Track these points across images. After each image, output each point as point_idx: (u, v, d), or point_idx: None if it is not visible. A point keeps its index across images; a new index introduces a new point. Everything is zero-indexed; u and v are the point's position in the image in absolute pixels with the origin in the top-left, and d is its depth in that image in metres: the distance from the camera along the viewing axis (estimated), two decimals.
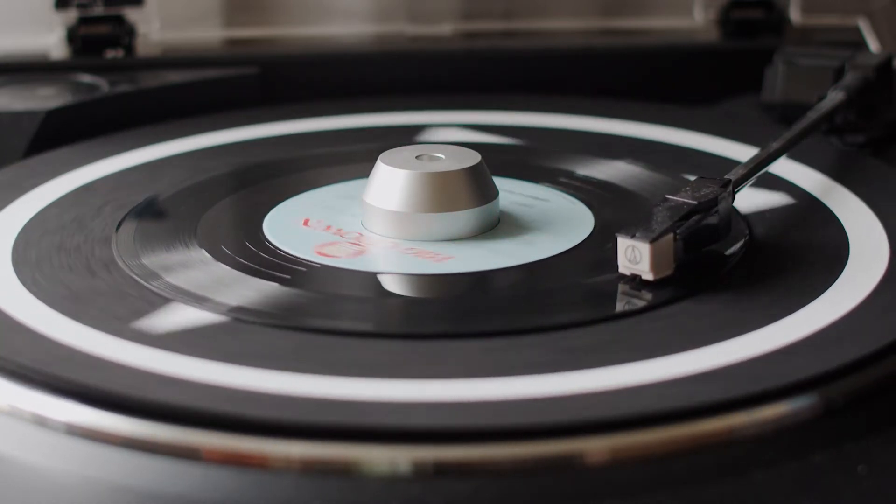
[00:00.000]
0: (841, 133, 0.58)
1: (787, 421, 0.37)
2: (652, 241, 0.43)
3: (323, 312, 0.43)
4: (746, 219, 0.49)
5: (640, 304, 0.43)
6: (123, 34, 0.71)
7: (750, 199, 0.50)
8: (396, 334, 0.41)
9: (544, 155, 0.57)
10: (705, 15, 0.75)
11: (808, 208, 0.51)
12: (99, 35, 0.71)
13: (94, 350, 0.40)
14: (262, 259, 0.47)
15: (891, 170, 0.54)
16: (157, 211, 0.51)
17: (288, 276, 0.45)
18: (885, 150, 0.58)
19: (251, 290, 0.44)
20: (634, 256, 0.43)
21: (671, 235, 0.43)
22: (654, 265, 0.43)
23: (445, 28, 0.75)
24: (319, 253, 0.47)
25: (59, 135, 0.60)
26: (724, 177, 0.46)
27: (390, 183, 0.48)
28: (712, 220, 0.45)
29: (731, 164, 0.50)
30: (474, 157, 0.49)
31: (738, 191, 0.46)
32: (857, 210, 0.50)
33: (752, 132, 0.59)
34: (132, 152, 0.58)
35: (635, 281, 0.44)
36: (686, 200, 0.44)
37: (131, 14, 0.72)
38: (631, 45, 0.73)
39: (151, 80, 0.66)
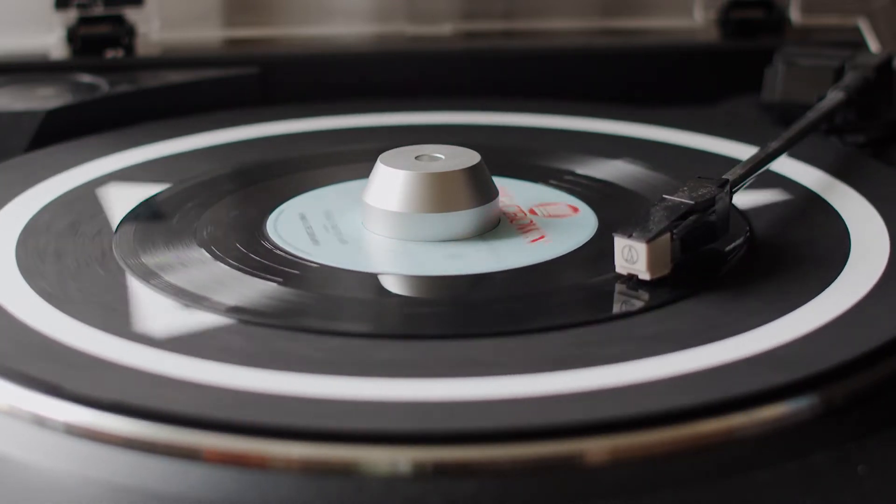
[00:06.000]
0: (841, 133, 0.58)
1: (787, 421, 0.37)
2: (649, 241, 0.43)
3: (323, 313, 0.43)
4: (746, 217, 0.49)
5: (637, 304, 0.43)
6: (123, 34, 0.71)
7: (750, 197, 0.50)
8: (396, 335, 0.41)
9: (544, 155, 0.57)
10: (705, 15, 0.75)
11: (809, 206, 0.51)
12: (99, 35, 0.71)
13: (95, 351, 0.40)
14: (262, 259, 0.47)
15: (892, 168, 0.54)
16: (157, 210, 0.51)
17: (288, 277, 0.45)
18: (885, 150, 0.58)
19: (251, 290, 0.44)
20: (631, 256, 0.43)
21: (668, 235, 0.43)
22: (651, 265, 0.43)
23: (445, 28, 0.75)
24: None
25: (59, 135, 0.60)
26: (722, 176, 0.46)
27: (390, 183, 0.48)
28: (710, 219, 0.45)
29: (730, 164, 0.50)
30: (474, 158, 0.49)
31: (736, 190, 0.46)
32: (858, 207, 0.50)
33: (752, 132, 0.59)
34: (131, 151, 0.58)
35: (632, 280, 0.44)
36: (683, 200, 0.44)
37: (131, 14, 0.72)
38: (631, 45, 0.73)
39: (151, 80, 0.66)
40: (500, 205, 0.50)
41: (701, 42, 0.73)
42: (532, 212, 0.50)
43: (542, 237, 0.48)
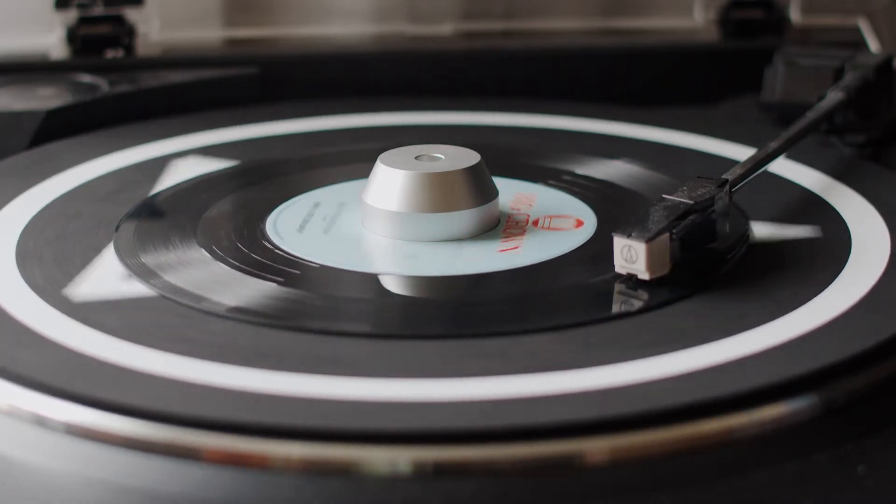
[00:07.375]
0: (841, 133, 0.58)
1: (787, 421, 0.37)
2: (648, 241, 0.43)
3: (323, 313, 0.43)
4: (746, 216, 0.49)
5: (636, 304, 0.43)
6: (123, 34, 0.71)
7: (750, 198, 0.50)
8: (396, 335, 0.41)
9: (544, 155, 0.57)
10: (705, 15, 0.75)
11: (809, 206, 0.51)
12: (99, 35, 0.71)
13: (94, 351, 0.40)
14: (262, 259, 0.47)
15: (892, 171, 0.54)
16: (157, 210, 0.51)
17: (288, 277, 0.45)
18: (885, 150, 0.58)
19: (251, 290, 0.44)
20: (630, 256, 0.43)
21: (667, 235, 0.43)
22: (650, 265, 0.43)
23: (445, 28, 0.75)
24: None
25: (59, 135, 0.60)
26: (722, 176, 0.46)
27: (390, 183, 0.48)
28: (709, 219, 0.45)
29: (730, 164, 0.50)
30: (474, 158, 0.49)
31: (735, 190, 0.46)
32: (858, 207, 0.50)
33: (751, 132, 0.59)
34: (131, 149, 0.58)
35: (631, 280, 0.44)
36: (682, 200, 0.44)
37: (131, 14, 0.72)
38: (631, 46, 0.73)
39: (151, 80, 0.66)
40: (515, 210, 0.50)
41: (701, 42, 0.73)
42: (535, 223, 0.50)
43: (516, 247, 0.47)
